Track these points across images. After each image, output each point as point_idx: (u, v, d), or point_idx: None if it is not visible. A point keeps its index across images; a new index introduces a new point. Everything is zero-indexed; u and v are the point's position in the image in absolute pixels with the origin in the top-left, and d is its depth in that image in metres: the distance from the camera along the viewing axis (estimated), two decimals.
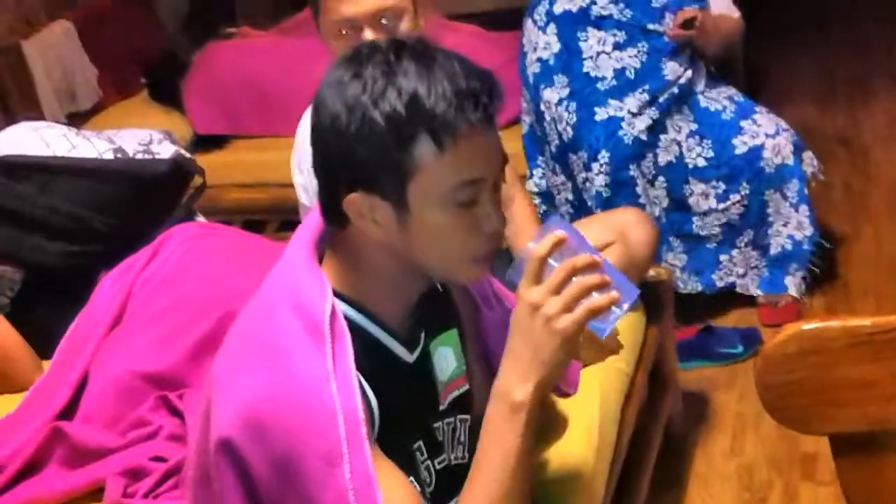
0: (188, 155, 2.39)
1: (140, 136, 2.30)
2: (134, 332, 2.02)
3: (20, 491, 1.85)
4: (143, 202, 2.26)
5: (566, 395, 1.63)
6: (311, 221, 1.31)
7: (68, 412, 1.95)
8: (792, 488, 2.37)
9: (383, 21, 1.88)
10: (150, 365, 1.95)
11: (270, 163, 3.43)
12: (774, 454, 2.47)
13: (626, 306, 1.22)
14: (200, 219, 2.43)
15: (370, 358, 1.23)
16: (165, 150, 2.30)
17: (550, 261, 1.19)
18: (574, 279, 1.18)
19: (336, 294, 1.24)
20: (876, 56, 4.67)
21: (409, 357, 1.30)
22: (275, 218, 3.49)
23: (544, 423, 1.82)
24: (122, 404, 1.92)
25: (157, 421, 1.87)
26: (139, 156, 2.27)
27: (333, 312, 1.20)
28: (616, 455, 1.91)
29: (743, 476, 2.43)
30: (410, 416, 1.28)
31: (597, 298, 1.18)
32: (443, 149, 1.16)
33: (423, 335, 1.32)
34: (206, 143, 3.52)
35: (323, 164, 1.22)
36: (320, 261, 1.28)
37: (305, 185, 2.14)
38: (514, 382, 1.19)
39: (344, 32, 1.89)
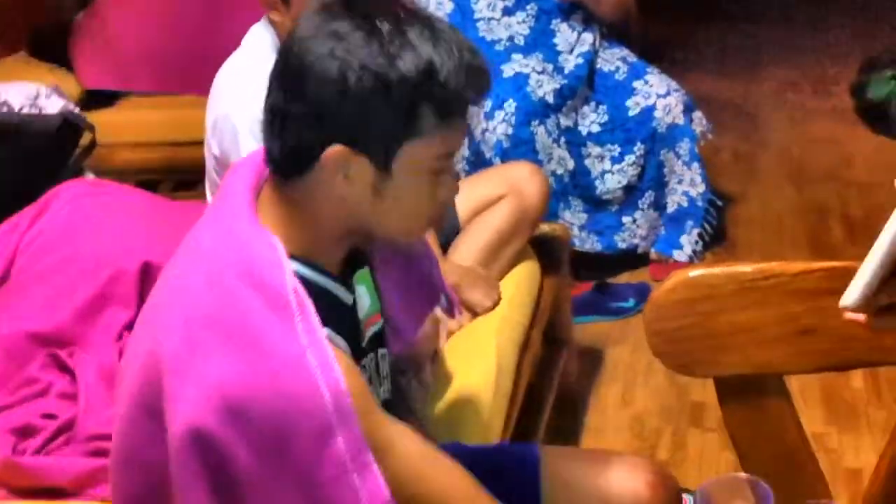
0: (77, 111, 2.33)
1: (27, 90, 2.23)
2: (21, 291, 1.97)
3: None
4: (30, 159, 2.20)
5: (453, 314, 1.69)
6: (244, 171, 1.27)
7: None
8: (680, 435, 2.45)
9: None
10: (39, 324, 1.91)
11: (164, 121, 3.36)
12: (664, 403, 2.55)
13: None
14: (90, 177, 2.37)
15: (325, 309, 1.20)
16: (53, 105, 2.24)
17: None
18: None
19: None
20: (766, 28, 4.81)
21: (350, 298, 1.30)
22: (169, 178, 3.42)
23: (440, 376, 1.85)
24: (11, 363, 1.87)
25: (46, 379, 1.84)
26: (26, 110, 2.20)
27: (295, 281, 1.17)
28: (511, 405, 1.94)
29: (634, 425, 2.50)
30: (353, 356, 1.28)
31: None
32: (444, 122, 1.17)
33: (351, 275, 1.32)
34: (96, 101, 3.42)
35: (307, 113, 1.18)
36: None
37: (222, 141, 2.08)
38: None
39: None
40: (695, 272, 1.30)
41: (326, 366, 1.14)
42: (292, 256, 1.20)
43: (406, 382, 1.70)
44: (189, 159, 3.08)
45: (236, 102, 1.97)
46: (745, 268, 1.29)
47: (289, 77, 1.19)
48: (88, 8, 3.67)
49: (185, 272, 1.25)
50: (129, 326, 1.84)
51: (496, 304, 2.10)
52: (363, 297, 1.35)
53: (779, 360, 1.29)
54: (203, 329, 1.17)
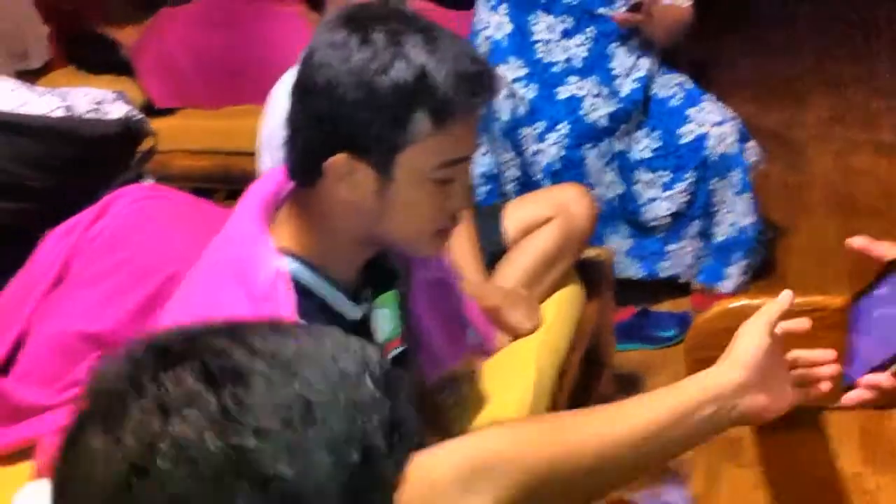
0: (140, 116, 2.38)
1: (93, 95, 2.28)
2: (76, 291, 2.02)
3: None
4: (89, 162, 2.24)
5: (488, 353, 1.69)
6: (265, 182, 1.32)
7: (5, 369, 1.94)
8: (714, 469, 2.43)
9: None
10: (92, 324, 1.95)
11: (222, 130, 3.43)
12: None
13: None
14: (150, 181, 2.42)
15: (316, 314, 1.24)
16: (117, 111, 2.28)
17: None
18: None
19: (285, 252, 1.25)
20: (808, 58, 4.79)
21: (356, 314, 1.32)
22: (223, 187, 3.48)
23: (476, 395, 1.87)
24: (61, 363, 1.92)
25: None
26: (90, 115, 2.25)
27: (277, 277, 1.21)
28: None
29: None
30: None
31: None
32: (441, 127, 1.19)
33: (369, 292, 1.35)
34: (158, 108, 3.50)
35: (311, 123, 1.23)
36: (274, 220, 1.29)
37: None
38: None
39: None
40: (736, 302, 1.32)
41: None
42: (299, 259, 1.25)
43: (443, 400, 1.72)
44: (244, 169, 3.14)
45: None
46: None
47: (296, 88, 1.24)
48: (151, 21, 3.76)
49: (192, 270, 1.33)
50: None
51: (537, 326, 2.11)
52: (384, 320, 1.39)
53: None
54: (185, 314, 1.24)
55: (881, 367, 1.09)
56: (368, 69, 1.17)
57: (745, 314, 1.29)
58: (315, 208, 1.26)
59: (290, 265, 1.25)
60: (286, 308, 1.20)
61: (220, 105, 3.52)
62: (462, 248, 2.12)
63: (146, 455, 0.61)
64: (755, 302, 1.32)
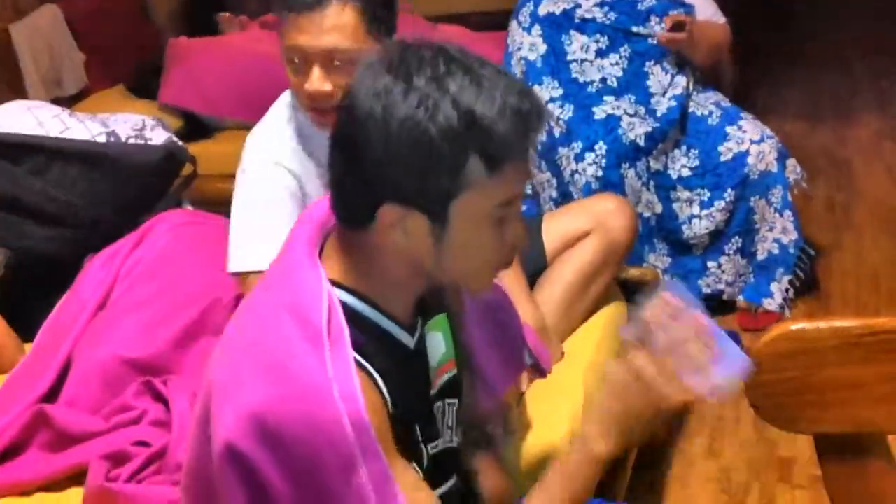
0: (180, 143, 2.38)
1: (133, 121, 2.29)
2: (119, 318, 2.02)
3: (1, 474, 1.84)
4: (134, 189, 2.25)
5: (544, 373, 1.66)
6: (314, 214, 1.30)
7: (51, 396, 1.95)
8: (768, 491, 2.39)
9: (336, 63, 1.82)
10: (135, 351, 1.96)
11: None
12: (752, 457, 2.49)
13: (729, 375, 1.25)
14: (188, 206, 2.43)
15: (375, 346, 1.22)
16: (158, 137, 2.29)
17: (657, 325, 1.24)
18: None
19: (338, 285, 1.23)
20: (858, 75, 4.74)
21: (411, 342, 1.30)
22: None
23: (525, 420, 1.84)
24: (106, 389, 1.92)
25: (140, 406, 1.87)
26: (132, 140, 2.25)
27: (331, 312, 1.19)
28: None
29: (721, 478, 2.44)
30: (412, 400, 1.28)
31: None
32: (494, 171, 1.15)
33: (420, 319, 1.33)
34: (193, 134, 3.52)
35: (356, 174, 1.19)
36: (322, 251, 1.28)
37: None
38: (598, 436, 1.26)
39: (296, 61, 1.84)
40: (798, 325, 1.27)
41: (351, 398, 1.15)
42: (353, 292, 1.23)
43: (492, 429, 1.69)
44: None
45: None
46: (850, 323, 1.25)
47: (340, 137, 1.20)
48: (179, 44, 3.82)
49: (243, 304, 1.30)
50: None
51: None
52: (437, 344, 1.36)
53: (882, 419, 1.25)
54: (243, 354, 1.21)
55: None
56: (415, 118, 1.13)
57: (804, 337, 1.26)
58: (365, 248, 1.23)
59: (344, 297, 1.23)
60: (342, 345, 1.18)
61: (236, 115, 3.56)
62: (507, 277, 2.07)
63: None
64: (816, 324, 1.28)
